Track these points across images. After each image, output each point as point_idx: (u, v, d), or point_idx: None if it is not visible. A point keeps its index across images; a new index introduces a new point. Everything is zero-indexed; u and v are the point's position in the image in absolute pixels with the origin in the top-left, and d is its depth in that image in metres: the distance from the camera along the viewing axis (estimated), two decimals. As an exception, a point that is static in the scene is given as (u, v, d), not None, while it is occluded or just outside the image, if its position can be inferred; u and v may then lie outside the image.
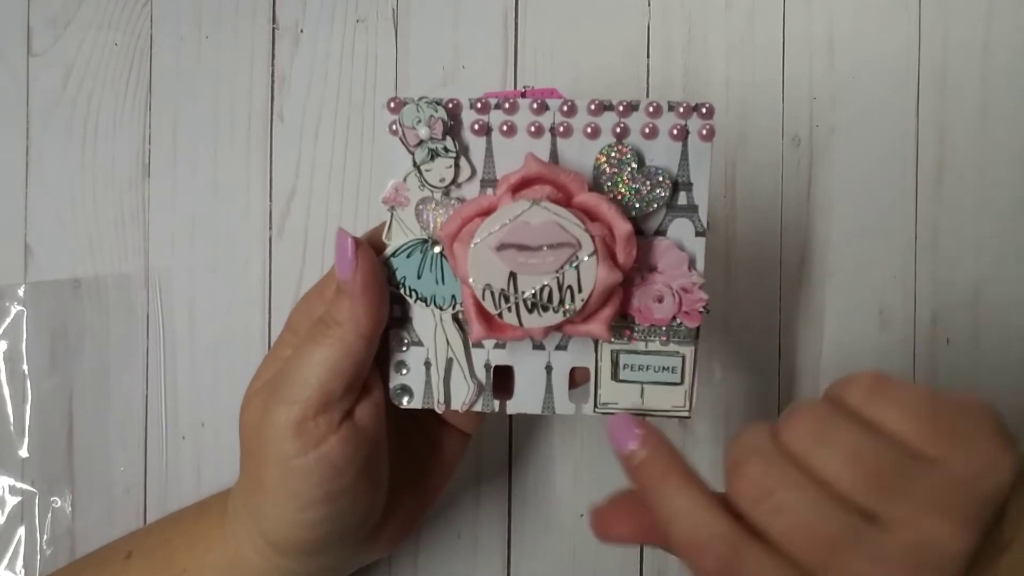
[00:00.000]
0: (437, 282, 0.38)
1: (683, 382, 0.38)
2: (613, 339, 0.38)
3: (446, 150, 0.37)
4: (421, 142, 0.36)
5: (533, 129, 0.37)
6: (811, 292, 0.52)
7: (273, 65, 0.54)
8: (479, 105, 0.37)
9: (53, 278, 0.53)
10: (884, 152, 0.52)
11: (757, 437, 0.32)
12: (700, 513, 0.31)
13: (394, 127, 0.37)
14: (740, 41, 0.53)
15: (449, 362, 0.39)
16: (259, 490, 0.38)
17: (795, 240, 0.52)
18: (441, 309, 0.38)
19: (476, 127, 0.37)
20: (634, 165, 0.36)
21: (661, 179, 0.36)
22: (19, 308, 0.53)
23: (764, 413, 0.52)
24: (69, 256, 0.53)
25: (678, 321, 0.37)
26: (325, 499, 0.37)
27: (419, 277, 0.38)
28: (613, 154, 0.37)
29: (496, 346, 0.38)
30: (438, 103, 0.36)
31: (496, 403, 0.39)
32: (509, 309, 0.35)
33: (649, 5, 0.53)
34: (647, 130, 0.36)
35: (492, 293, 0.35)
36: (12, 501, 0.52)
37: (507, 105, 0.37)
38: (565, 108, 0.36)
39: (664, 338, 0.38)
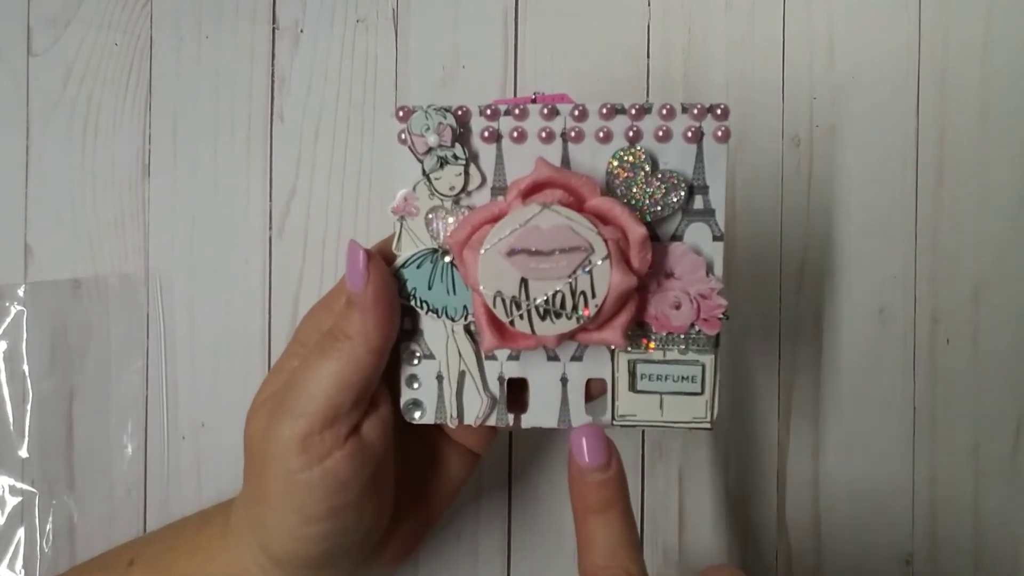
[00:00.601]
0: (448, 293, 0.37)
1: (703, 392, 0.37)
2: (630, 348, 0.37)
3: (455, 157, 0.36)
4: (430, 150, 0.36)
5: (544, 135, 0.36)
6: (811, 292, 0.52)
7: (273, 65, 0.53)
8: (488, 111, 0.36)
9: (53, 278, 0.53)
10: (884, 152, 0.52)
11: None
12: (620, 552, 0.33)
13: (403, 136, 0.36)
14: (740, 41, 0.53)
15: (462, 375, 0.38)
16: (262, 502, 0.37)
17: (795, 240, 0.52)
18: (453, 320, 0.37)
19: (486, 134, 0.36)
20: (648, 169, 0.36)
21: (676, 182, 0.36)
22: (19, 308, 0.53)
23: (764, 413, 0.52)
24: (69, 256, 0.53)
25: (697, 328, 0.36)
26: (328, 514, 0.36)
27: (430, 288, 0.37)
28: (626, 158, 0.36)
29: (510, 358, 0.37)
30: (447, 110, 0.36)
31: (510, 417, 0.38)
32: (521, 316, 0.34)
33: (649, 5, 0.53)
34: (660, 133, 0.36)
35: (503, 300, 0.34)
36: (12, 501, 0.52)
37: (517, 111, 0.36)
38: (576, 113, 0.36)
39: (683, 346, 0.37)
